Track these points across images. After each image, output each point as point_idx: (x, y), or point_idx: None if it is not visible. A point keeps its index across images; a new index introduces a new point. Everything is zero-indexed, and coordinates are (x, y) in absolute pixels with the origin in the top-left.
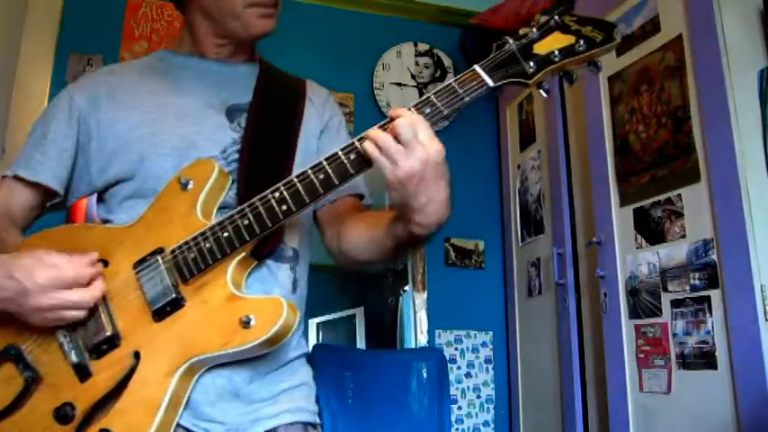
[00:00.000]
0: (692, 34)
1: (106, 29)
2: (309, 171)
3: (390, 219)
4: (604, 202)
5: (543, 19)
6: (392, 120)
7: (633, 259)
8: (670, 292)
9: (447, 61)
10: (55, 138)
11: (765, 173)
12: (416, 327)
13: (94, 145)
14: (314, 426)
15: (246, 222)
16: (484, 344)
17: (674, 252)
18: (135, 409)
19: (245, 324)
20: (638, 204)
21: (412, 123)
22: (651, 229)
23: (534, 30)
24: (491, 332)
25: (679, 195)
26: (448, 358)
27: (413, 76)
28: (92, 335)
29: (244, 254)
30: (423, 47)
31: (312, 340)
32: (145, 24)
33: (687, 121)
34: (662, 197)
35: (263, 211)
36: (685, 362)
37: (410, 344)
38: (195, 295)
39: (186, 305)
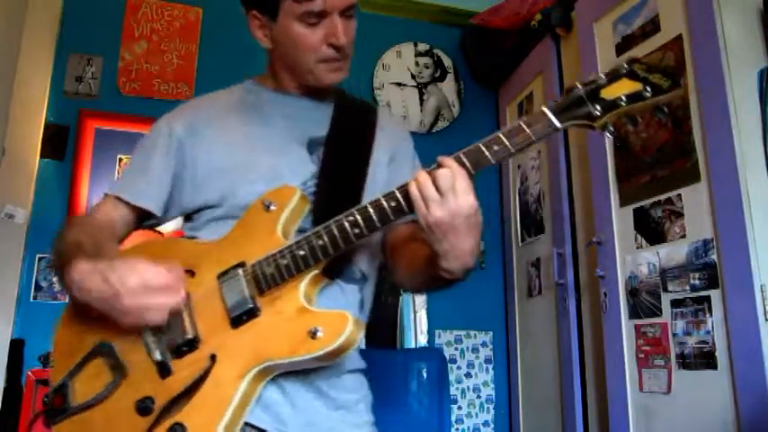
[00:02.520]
0: (692, 34)
1: (106, 29)
2: (382, 198)
3: (427, 258)
4: (604, 202)
5: (612, 67)
6: (439, 166)
7: (633, 259)
8: (670, 292)
9: (447, 61)
10: (156, 167)
11: (765, 173)
12: (416, 327)
13: (188, 172)
14: None
15: (321, 243)
16: (484, 344)
17: (674, 252)
18: (207, 406)
19: (313, 335)
20: (638, 204)
21: (452, 176)
22: (651, 229)
23: (602, 76)
24: (491, 332)
25: (679, 195)
26: (448, 358)
27: (413, 76)
28: (175, 337)
29: (316, 271)
30: (423, 47)
31: None
32: (145, 24)
33: (687, 121)
34: (662, 197)
35: (336, 233)
36: (685, 362)
37: (410, 344)
38: (270, 306)
39: (261, 315)
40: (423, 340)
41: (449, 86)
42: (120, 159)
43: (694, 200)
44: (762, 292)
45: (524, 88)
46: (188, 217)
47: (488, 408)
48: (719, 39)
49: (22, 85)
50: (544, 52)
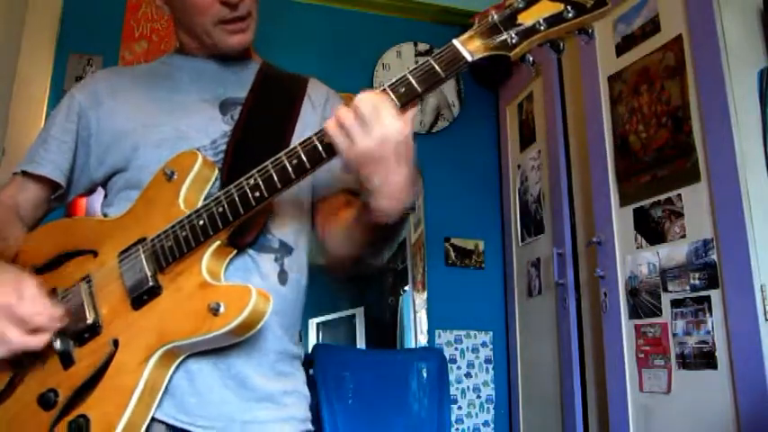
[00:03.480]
0: (692, 34)
1: (106, 29)
2: (284, 156)
3: (359, 208)
4: (604, 202)
5: None
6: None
7: (633, 259)
8: (670, 292)
9: None
10: (55, 133)
11: (765, 173)
12: (416, 327)
13: (94, 139)
14: None
15: (221, 210)
16: (484, 344)
17: (674, 252)
18: (110, 396)
19: (215, 311)
20: (638, 204)
21: (373, 100)
22: (651, 229)
23: None
24: (491, 332)
25: (679, 195)
26: (448, 358)
27: None
28: (75, 323)
29: (219, 242)
30: (423, 47)
31: (312, 340)
32: (145, 24)
33: (687, 121)
34: (662, 197)
35: (236, 198)
36: (685, 362)
37: (410, 344)
38: (171, 283)
39: (163, 293)
40: (423, 340)
41: (449, 86)
42: None
43: (694, 200)
44: (762, 292)
45: (524, 88)
46: (105, 194)
47: (488, 408)
48: (719, 39)
49: (22, 85)
50: (544, 52)
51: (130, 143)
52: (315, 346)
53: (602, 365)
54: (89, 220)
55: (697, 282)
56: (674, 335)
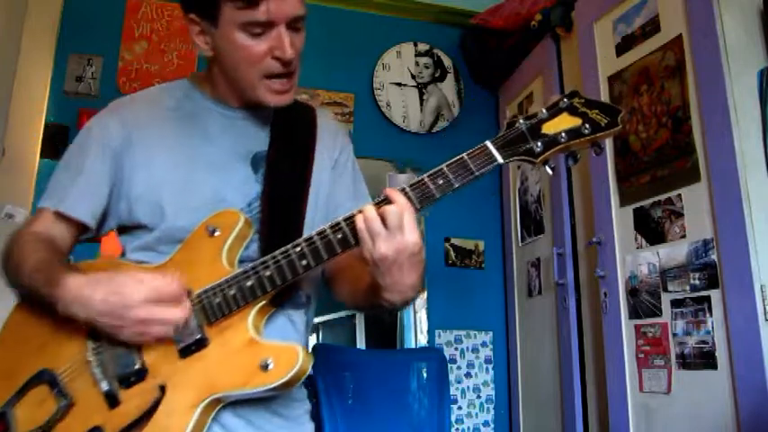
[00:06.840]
0: (692, 34)
1: (106, 29)
2: (328, 229)
3: (369, 285)
4: (604, 202)
5: (553, 99)
6: (386, 198)
7: (633, 259)
8: (670, 292)
9: (447, 61)
10: (90, 174)
11: (765, 173)
12: (416, 327)
13: (126, 185)
14: None
15: (268, 274)
16: (484, 344)
17: (674, 252)
18: None
19: (264, 367)
20: (638, 204)
21: (400, 213)
22: (651, 229)
23: (544, 110)
24: (491, 332)
25: (679, 195)
26: (448, 358)
27: (413, 76)
28: (122, 367)
29: (264, 302)
30: (423, 47)
31: (312, 340)
32: (145, 24)
33: (687, 121)
34: (662, 197)
35: (284, 265)
36: (685, 362)
37: (410, 344)
38: (218, 336)
39: (210, 345)
40: (423, 340)
41: (449, 86)
42: None
43: (694, 200)
44: (762, 292)
45: (524, 88)
46: (123, 229)
47: (488, 408)
48: (719, 39)
49: (22, 85)
50: (544, 52)
51: (166, 201)
52: (315, 346)
53: (602, 365)
54: (129, 266)
55: (697, 282)
56: (674, 335)
